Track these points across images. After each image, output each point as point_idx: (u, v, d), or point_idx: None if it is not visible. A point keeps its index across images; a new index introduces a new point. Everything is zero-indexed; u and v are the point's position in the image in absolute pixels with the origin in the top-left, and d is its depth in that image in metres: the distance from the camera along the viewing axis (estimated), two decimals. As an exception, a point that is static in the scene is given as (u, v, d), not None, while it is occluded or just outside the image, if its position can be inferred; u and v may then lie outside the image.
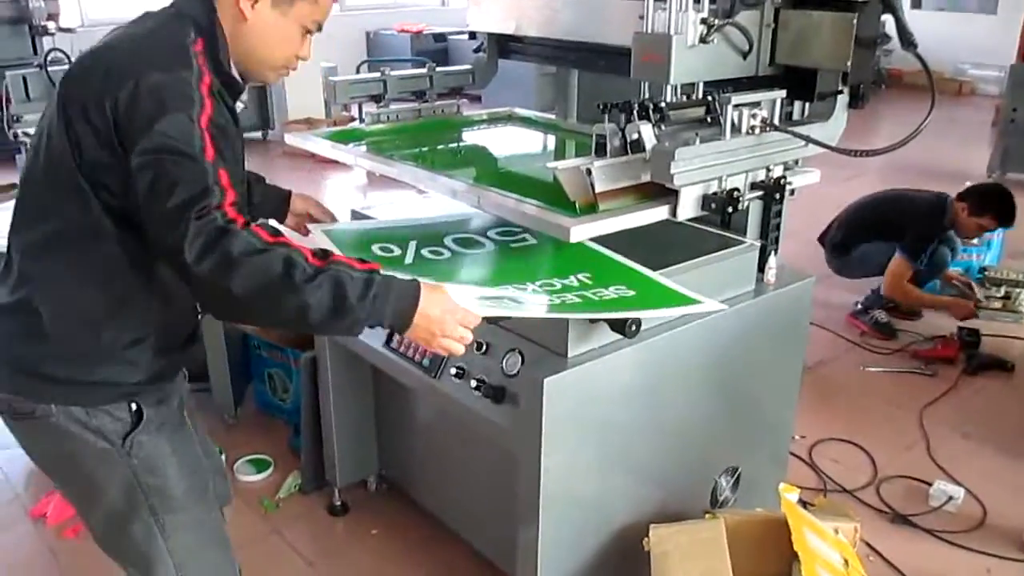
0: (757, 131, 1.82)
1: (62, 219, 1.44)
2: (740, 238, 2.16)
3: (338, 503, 2.79)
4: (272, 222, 2.01)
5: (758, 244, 2.16)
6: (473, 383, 1.95)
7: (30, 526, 2.75)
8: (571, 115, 2.82)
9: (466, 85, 2.77)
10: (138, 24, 1.47)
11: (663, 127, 1.82)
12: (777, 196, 2.01)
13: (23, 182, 1.50)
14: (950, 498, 2.83)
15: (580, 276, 1.76)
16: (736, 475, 2.34)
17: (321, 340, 2.55)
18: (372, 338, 2.26)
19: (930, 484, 2.91)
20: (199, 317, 1.65)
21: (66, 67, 2.26)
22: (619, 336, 1.82)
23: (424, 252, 1.79)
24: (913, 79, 9.49)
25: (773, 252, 2.22)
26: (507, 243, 1.90)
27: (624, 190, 1.78)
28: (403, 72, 2.70)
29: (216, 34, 1.46)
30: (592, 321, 1.81)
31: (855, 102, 2.00)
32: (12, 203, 1.51)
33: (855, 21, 1.84)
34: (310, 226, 1.98)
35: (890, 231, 4.15)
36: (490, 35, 2.63)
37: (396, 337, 2.19)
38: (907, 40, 1.90)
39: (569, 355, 1.82)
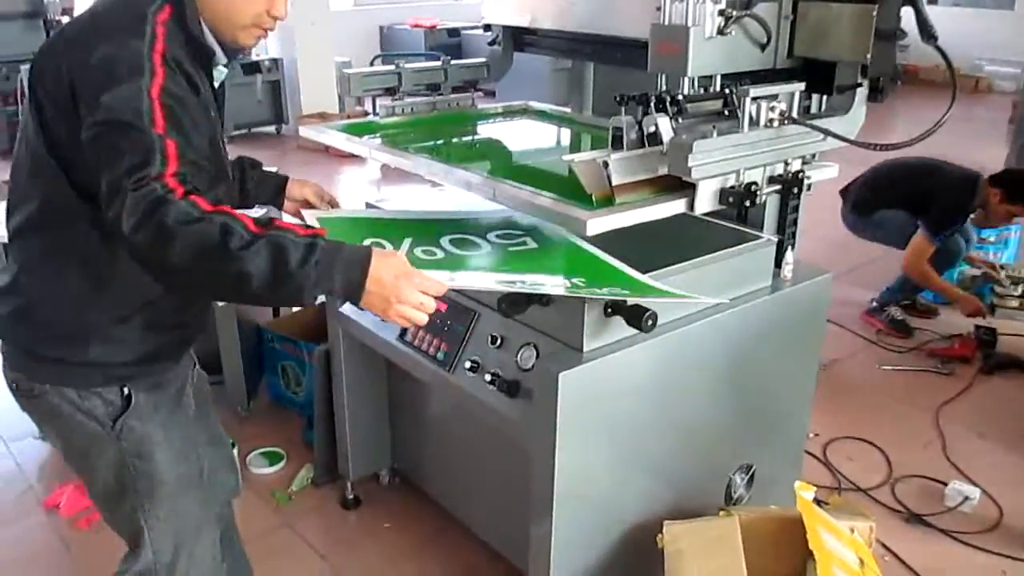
0: (775, 124, 1.80)
1: (38, 201, 1.45)
2: (757, 233, 2.14)
3: (350, 496, 2.79)
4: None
5: (775, 239, 2.14)
6: (487, 377, 1.94)
7: (43, 516, 2.76)
8: (586, 108, 2.80)
9: (481, 78, 2.75)
10: None
11: (680, 120, 1.80)
12: (795, 190, 1.99)
13: (12, 169, 1.51)
14: (966, 498, 2.81)
15: (574, 280, 1.72)
16: (750, 473, 2.32)
17: (335, 333, 2.54)
18: (386, 331, 2.26)
19: (945, 484, 2.88)
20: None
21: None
22: (635, 331, 1.81)
23: (417, 251, 1.74)
24: (929, 75, 9.43)
25: (790, 247, 2.20)
26: (504, 246, 1.85)
27: (641, 183, 1.77)
28: (418, 65, 2.68)
29: (183, 1, 1.43)
30: (607, 315, 1.79)
31: (874, 95, 1.98)
32: None
33: (875, 13, 1.81)
34: (304, 212, 1.92)
35: (916, 203, 4.00)
36: (505, 28, 2.61)
37: (411, 330, 2.18)
38: (928, 33, 1.88)
39: (584, 349, 1.81)
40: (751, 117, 1.78)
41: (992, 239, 4.54)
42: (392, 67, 2.58)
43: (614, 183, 1.71)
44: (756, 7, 1.82)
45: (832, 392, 3.45)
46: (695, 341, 1.99)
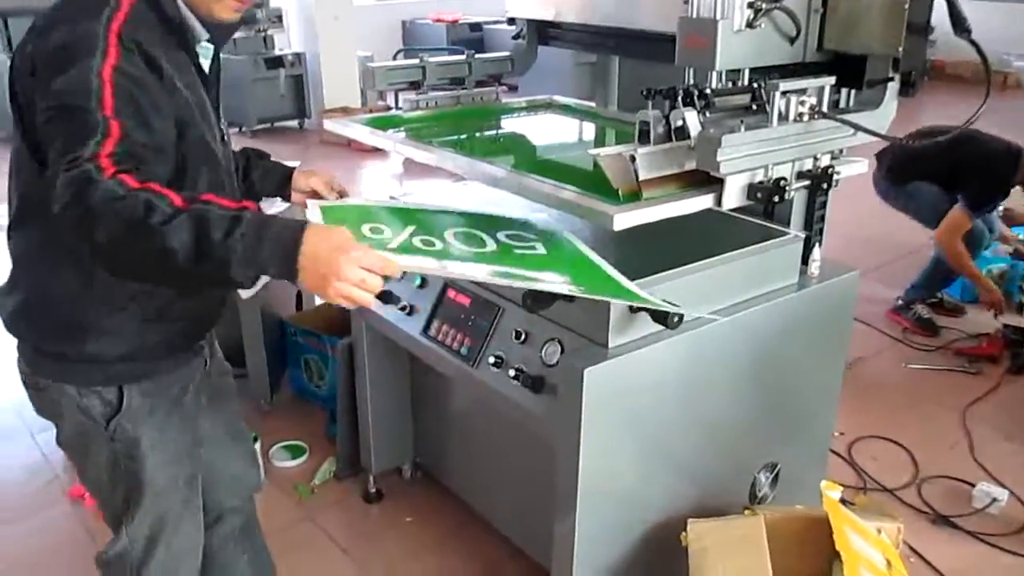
0: (805, 119, 1.78)
1: (21, 196, 1.45)
2: (784, 229, 2.12)
3: (373, 490, 2.79)
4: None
5: (802, 235, 2.12)
6: (511, 372, 1.93)
7: (68, 507, 2.79)
8: (611, 103, 2.78)
9: (505, 72, 2.74)
10: None
11: (707, 114, 1.78)
12: (824, 186, 1.96)
13: (9, 170, 1.50)
14: (993, 500, 2.77)
15: (574, 287, 1.63)
16: (775, 471, 2.30)
17: (359, 327, 2.54)
18: (409, 325, 2.26)
19: (973, 485, 2.85)
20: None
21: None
22: (661, 327, 1.79)
23: (415, 240, 1.65)
24: (956, 69, 9.32)
25: (817, 244, 2.17)
26: (511, 246, 1.76)
27: (668, 178, 1.75)
28: (442, 59, 2.69)
29: None
30: (633, 311, 1.78)
31: (906, 90, 1.94)
32: None
33: (907, 5, 1.78)
34: (308, 202, 1.82)
35: (953, 179, 3.87)
36: (529, 21, 2.60)
37: (434, 325, 2.18)
38: (960, 26, 1.84)
39: (610, 345, 1.79)
40: (780, 112, 1.76)
41: (1022, 237, 4.46)
42: (416, 61, 2.58)
43: (641, 178, 1.69)
44: (785, 0, 1.80)
45: (857, 391, 3.41)
46: (721, 338, 1.97)
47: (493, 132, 2.60)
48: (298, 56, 8.01)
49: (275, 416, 3.28)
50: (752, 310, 2.00)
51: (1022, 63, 10.41)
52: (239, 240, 1.21)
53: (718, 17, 1.73)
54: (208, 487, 1.82)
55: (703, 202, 1.75)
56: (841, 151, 2.02)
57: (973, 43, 1.83)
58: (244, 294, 2.85)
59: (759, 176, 1.79)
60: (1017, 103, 9.12)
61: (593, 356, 1.78)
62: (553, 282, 1.58)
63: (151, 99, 1.33)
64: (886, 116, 1.95)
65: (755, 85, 1.86)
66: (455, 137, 2.44)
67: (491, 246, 1.73)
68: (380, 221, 1.70)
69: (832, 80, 1.85)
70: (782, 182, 1.79)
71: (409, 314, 2.27)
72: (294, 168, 1.92)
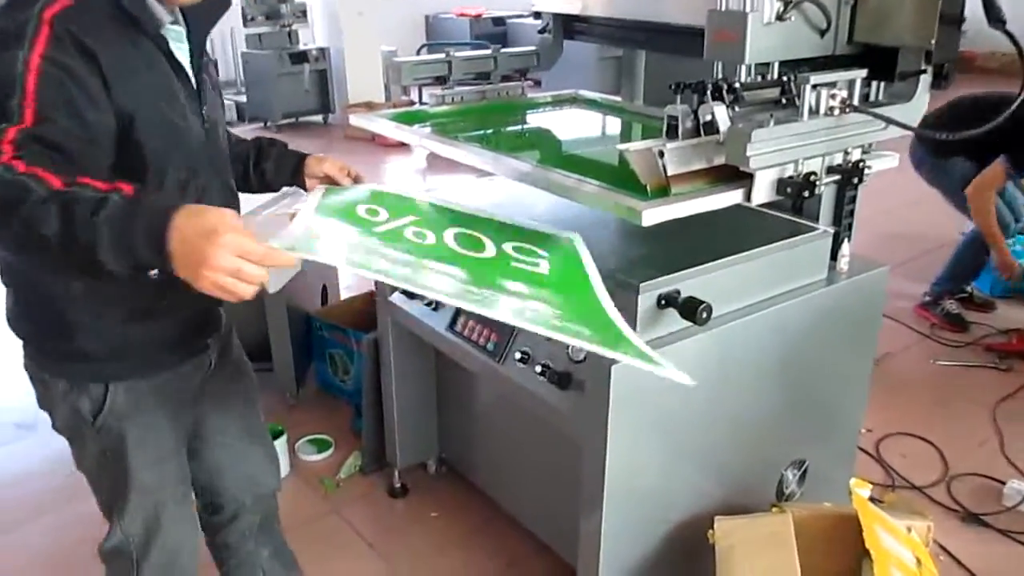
0: (836, 112, 1.76)
1: None
2: (813, 224, 2.09)
3: (398, 485, 2.80)
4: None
5: (831, 231, 2.10)
6: (538, 368, 1.93)
7: (92, 501, 2.81)
8: (637, 97, 2.77)
9: (531, 67, 2.73)
10: None
11: (736, 108, 1.76)
12: (854, 180, 1.94)
13: None
14: (1024, 498, 2.74)
15: (556, 322, 1.42)
16: (803, 468, 2.28)
17: (384, 322, 2.55)
18: (435, 321, 2.26)
19: (1003, 483, 2.81)
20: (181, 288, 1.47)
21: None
22: (688, 323, 1.78)
23: (406, 232, 1.52)
24: (986, 62, 9.17)
25: (847, 239, 2.15)
26: (510, 257, 1.58)
27: (696, 173, 1.73)
28: (468, 53, 2.68)
29: None
30: (661, 307, 1.77)
31: (938, 82, 1.91)
32: None
33: (940, -4, 1.76)
34: (318, 186, 1.74)
35: (996, 142, 3.67)
36: (555, 16, 2.58)
37: (460, 320, 2.17)
38: (995, 16, 1.81)
39: (637, 341, 1.78)
40: (811, 105, 1.74)
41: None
42: (442, 56, 2.58)
43: (669, 173, 1.68)
44: (816, -8, 1.77)
45: (885, 387, 3.37)
46: (749, 334, 1.95)
47: (519, 127, 2.59)
48: (322, 51, 8.04)
49: (301, 410, 3.30)
50: (780, 306, 1.98)
51: (1054, 55, 10.25)
52: (104, 222, 1.14)
53: (748, 10, 1.70)
54: (220, 486, 1.83)
55: (732, 197, 1.74)
56: (870, 145, 1.99)
57: (1008, 34, 1.80)
58: (270, 288, 2.85)
59: (789, 171, 1.76)
60: (1048, 95, 8.97)
61: (620, 352, 1.77)
62: (525, 312, 1.37)
63: (83, 89, 1.29)
64: (918, 109, 1.91)
65: (785, 78, 1.83)
66: (481, 132, 2.43)
67: (489, 252, 1.58)
68: (382, 205, 1.62)
69: (863, 73, 1.82)
70: (812, 177, 1.77)
71: (435, 309, 2.27)
72: (305, 156, 1.83)
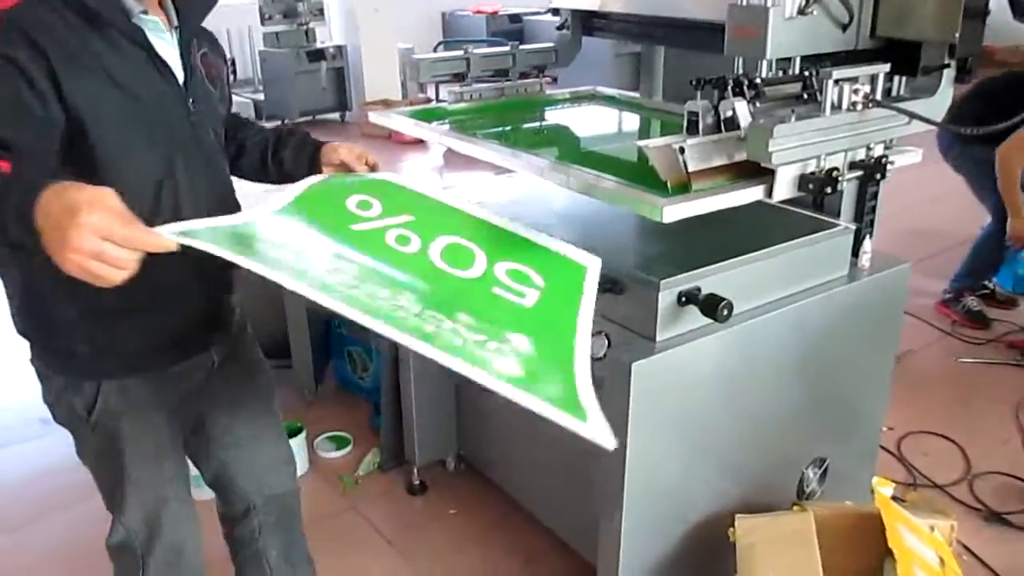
0: (859, 107, 1.74)
1: None
2: (834, 221, 2.08)
3: (417, 482, 2.80)
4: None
5: (853, 227, 2.08)
6: (557, 365, 1.92)
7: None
8: (656, 93, 2.75)
9: (549, 64, 2.72)
10: None
11: (758, 104, 1.75)
12: (877, 176, 1.92)
13: None
14: (1049, 497, 2.71)
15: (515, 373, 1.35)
16: (824, 467, 2.26)
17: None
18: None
19: (1027, 481, 2.79)
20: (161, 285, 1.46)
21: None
22: (709, 321, 1.77)
23: (387, 234, 1.40)
24: (1006, 56, 9.06)
25: (868, 236, 2.13)
26: (492, 283, 1.41)
27: (717, 169, 1.72)
28: (486, 50, 2.67)
29: None
30: (681, 304, 1.76)
31: (961, 76, 1.89)
32: None
33: (964, -11, 1.74)
34: (312, 176, 1.65)
35: None
36: (574, 12, 2.58)
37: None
38: (1020, 10, 1.79)
39: (657, 339, 1.78)
40: (833, 101, 1.72)
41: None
42: (461, 52, 2.57)
43: (690, 169, 1.67)
44: (838, -14, 1.76)
45: (906, 385, 3.34)
46: (770, 332, 1.94)
47: (537, 124, 2.59)
48: (339, 49, 8.06)
49: (319, 407, 3.31)
50: (802, 303, 1.97)
51: (1078, 48, 10.14)
52: None
53: (769, 4, 1.69)
54: (229, 485, 1.84)
55: (753, 194, 1.72)
56: (893, 141, 1.97)
57: (1034, 28, 1.78)
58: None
59: (811, 167, 1.75)
60: (1071, 90, 8.87)
61: (640, 350, 1.76)
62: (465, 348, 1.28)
63: (31, 82, 1.28)
64: (942, 104, 1.89)
65: (806, 73, 1.82)
66: (499, 129, 2.43)
67: (475, 272, 1.42)
68: (382, 198, 1.52)
69: (886, 67, 1.80)
70: (834, 173, 1.75)
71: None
72: (320, 144, 1.77)
